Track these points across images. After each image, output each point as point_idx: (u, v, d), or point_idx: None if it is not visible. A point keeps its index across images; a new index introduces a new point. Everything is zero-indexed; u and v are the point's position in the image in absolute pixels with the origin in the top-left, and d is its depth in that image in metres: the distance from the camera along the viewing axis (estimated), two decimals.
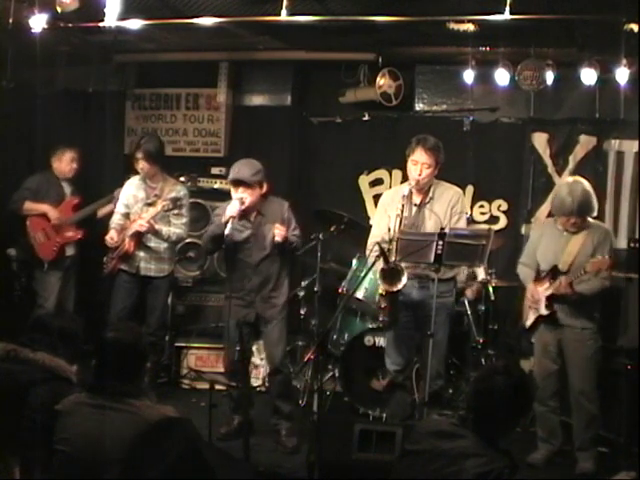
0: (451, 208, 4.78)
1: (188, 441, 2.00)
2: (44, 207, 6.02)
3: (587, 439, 4.70)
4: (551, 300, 4.66)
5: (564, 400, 4.82)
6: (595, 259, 4.48)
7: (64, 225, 6.04)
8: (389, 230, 4.66)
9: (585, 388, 4.67)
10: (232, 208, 4.82)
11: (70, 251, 6.15)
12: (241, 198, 4.82)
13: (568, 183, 4.70)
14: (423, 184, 4.78)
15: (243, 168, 4.86)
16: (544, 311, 4.70)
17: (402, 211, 4.66)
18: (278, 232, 4.84)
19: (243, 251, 4.96)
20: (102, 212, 6.12)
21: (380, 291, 4.72)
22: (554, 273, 4.66)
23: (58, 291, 6.07)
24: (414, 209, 4.81)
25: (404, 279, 4.52)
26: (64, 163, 6.11)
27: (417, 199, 4.83)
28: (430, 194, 4.84)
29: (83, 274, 6.28)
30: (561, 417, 4.86)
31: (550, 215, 5.25)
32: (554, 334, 4.74)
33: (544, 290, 4.69)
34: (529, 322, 4.83)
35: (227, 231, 4.79)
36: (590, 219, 4.73)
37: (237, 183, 4.84)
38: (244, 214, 4.88)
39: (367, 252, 4.82)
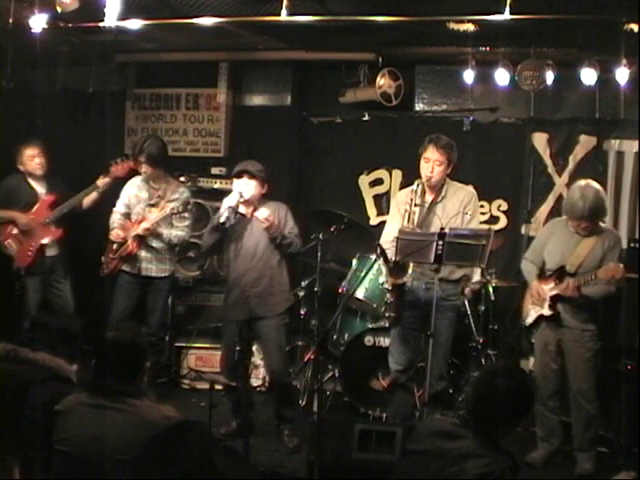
0: (463, 208, 4.78)
1: (203, 445, 2.00)
2: (12, 214, 5.77)
3: (586, 440, 4.70)
4: (555, 300, 4.66)
5: (564, 400, 4.82)
6: (608, 266, 4.46)
7: (39, 227, 5.80)
8: None
9: (583, 389, 4.67)
10: (231, 199, 4.90)
11: (52, 251, 5.90)
12: (240, 192, 4.87)
13: (580, 187, 4.63)
14: (435, 182, 4.79)
15: (249, 163, 5.02)
16: (547, 311, 4.70)
17: (411, 205, 4.68)
18: (263, 212, 4.85)
19: (238, 246, 4.97)
20: (87, 202, 5.87)
21: (387, 285, 4.72)
22: (561, 274, 4.64)
23: (41, 293, 5.86)
24: (426, 207, 4.81)
25: (409, 271, 4.54)
26: (27, 162, 5.83)
27: (429, 197, 4.84)
28: (442, 193, 4.85)
29: (82, 274, 6.23)
30: (561, 417, 4.86)
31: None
32: (555, 334, 4.74)
33: (549, 290, 4.68)
34: (530, 320, 4.83)
35: (223, 219, 4.85)
36: (602, 223, 4.72)
37: (242, 173, 4.92)
38: (247, 204, 4.94)
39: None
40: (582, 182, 4.72)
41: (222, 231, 4.95)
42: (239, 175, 4.93)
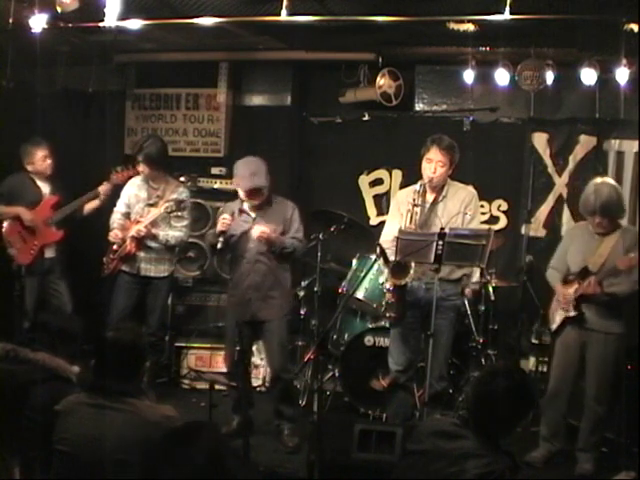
0: (464, 208, 4.78)
1: (213, 446, 2.00)
2: (17, 209, 5.79)
3: (592, 441, 4.69)
4: (580, 301, 4.61)
5: (574, 402, 4.79)
6: (628, 255, 4.43)
7: (43, 226, 5.82)
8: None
9: (599, 392, 4.64)
10: (224, 223, 4.88)
11: (50, 253, 5.90)
12: (233, 213, 4.92)
13: (595, 183, 4.65)
14: (437, 182, 4.80)
15: (256, 176, 4.86)
16: (572, 312, 4.64)
17: (413, 206, 4.69)
18: (258, 229, 4.85)
19: (242, 247, 4.98)
20: (88, 208, 5.90)
21: (388, 285, 4.72)
22: (584, 274, 4.60)
23: (38, 293, 5.85)
24: (427, 207, 4.81)
25: (411, 272, 4.54)
26: (37, 162, 5.85)
27: (430, 197, 4.85)
28: (443, 193, 4.85)
29: (83, 275, 6.22)
30: (568, 420, 4.85)
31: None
32: (579, 336, 4.68)
33: (574, 292, 4.63)
34: (555, 325, 4.77)
35: (220, 245, 4.85)
36: (622, 222, 4.71)
37: (254, 191, 4.87)
38: (259, 206, 4.95)
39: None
40: (599, 179, 4.74)
41: (216, 249, 4.95)
42: (250, 193, 4.88)
